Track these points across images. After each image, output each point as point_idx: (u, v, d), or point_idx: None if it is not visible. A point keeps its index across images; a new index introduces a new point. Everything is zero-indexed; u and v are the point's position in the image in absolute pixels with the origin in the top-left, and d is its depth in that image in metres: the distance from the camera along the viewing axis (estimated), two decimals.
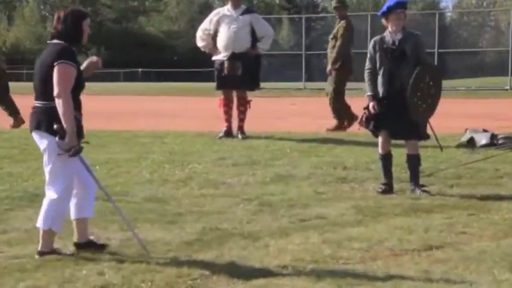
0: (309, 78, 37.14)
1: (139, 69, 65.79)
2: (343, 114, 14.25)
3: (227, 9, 12.86)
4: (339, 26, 14.36)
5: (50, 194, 5.60)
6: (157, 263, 5.38)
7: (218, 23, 12.74)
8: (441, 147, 8.49)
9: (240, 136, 12.59)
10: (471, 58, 43.70)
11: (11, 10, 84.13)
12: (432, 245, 5.95)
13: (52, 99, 5.47)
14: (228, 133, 12.72)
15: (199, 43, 13.06)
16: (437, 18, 36.61)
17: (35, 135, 5.65)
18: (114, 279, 5.00)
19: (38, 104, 5.64)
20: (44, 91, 5.56)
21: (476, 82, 36.98)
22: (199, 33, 13.08)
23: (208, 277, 5.09)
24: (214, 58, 12.92)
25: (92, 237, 5.90)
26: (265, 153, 10.69)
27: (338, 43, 14.25)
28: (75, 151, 5.50)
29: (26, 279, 4.99)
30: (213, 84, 13.20)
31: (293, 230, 6.45)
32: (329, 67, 14.57)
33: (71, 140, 5.45)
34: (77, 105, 5.67)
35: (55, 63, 5.51)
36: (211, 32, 12.81)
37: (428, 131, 8.36)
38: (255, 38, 12.66)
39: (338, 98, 14.29)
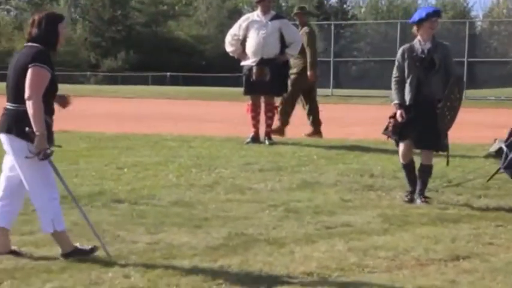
0: (337, 85, 37.10)
1: (168, 73, 66.05)
2: (288, 119, 14.20)
3: (256, 14, 12.88)
4: (303, 33, 14.32)
5: (37, 199, 5.61)
6: (182, 267, 5.38)
7: (247, 29, 12.76)
8: (448, 161, 8.42)
9: (267, 142, 12.60)
10: (501, 68, 43.37)
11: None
12: (459, 255, 5.90)
13: (24, 102, 5.42)
14: (255, 138, 12.73)
15: (228, 48, 13.08)
16: (467, 26, 36.40)
17: (4, 138, 5.57)
18: (140, 282, 5.02)
19: (9, 106, 5.56)
20: (17, 93, 5.48)
21: (506, 92, 36.67)
22: (228, 38, 13.11)
23: (234, 282, 5.09)
24: (242, 63, 12.93)
25: (13, 248, 5.78)
26: (291, 160, 10.68)
27: (308, 52, 14.18)
28: (44, 155, 5.46)
29: (52, 281, 5.03)
30: (241, 90, 13.22)
31: (319, 237, 6.43)
32: (293, 73, 14.27)
33: (40, 143, 5.40)
34: (49, 110, 5.59)
35: (29, 66, 5.44)
36: (241, 37, 12.83)
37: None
38: (283, 44, 12.67)
39: (290, 101, 14.25)
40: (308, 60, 14.15)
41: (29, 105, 5.39)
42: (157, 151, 11.50)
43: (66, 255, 5.60)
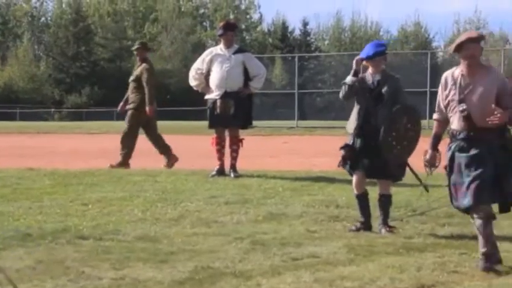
0: (301, 117, 37.27)
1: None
2: (131, 152, 14.62)
3: (220, 48, 12.95)
4: (142, 69, 14.57)
5: None
6: None
7: (211, 62, 12.83)
8: (426, 189, 8.44)
9: (232, 174, 12.60)
10: None
11: (4, 50, 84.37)
12: (424, 284, 5.94)
13: None
14: (221, 171, 12.73)
15: (192, 82, 13.13)
16: (429, 57, 36.90)
17: None
18: None
19: None
20: None
21: None
22: (192, 73, 13.16)
23: None
24: (207, 97, 12.98)
25: None
26: (257, 192, 10.69)
27: (146, 88, 14.41)
28: None
29: None
30: (206, 123, 13.25)
31: (285, 269, 6.43)
32: (130, 109, 14.92)
33: None
34: None
35: None
36: (204, 71, 12.89)
37: (409, 172, 8.42)
38: (247, 77, 12.75)
39: (130, 136, 14.55)
40: (146, 96, 14.40)
41: None
42: (122, 186, 11.45)
43: None
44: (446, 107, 6.75)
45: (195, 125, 33.11)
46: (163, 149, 14.83)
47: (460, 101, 6.55)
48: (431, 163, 6.98)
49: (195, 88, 13.26)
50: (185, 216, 8.97)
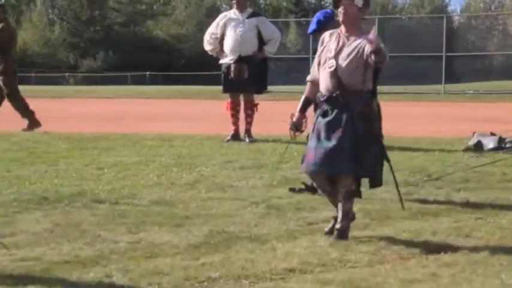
0: None
1: (147, 73, 65.90)
2: (28, 111, 14.62)
3: (233, 12, 12.89)
4: None
5: None
6: (164, 266, 5.38)
7: (225, 27, 12.77)
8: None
9: (247, 139, 12.61)
10: (479, 62, 43.66)
11: (18, 14, 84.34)
12: (440, 248, 5.93)
13: None
14: (235, 136, 12.74)
15: (207, 47, 13.09)
16: (445, 21, 36.54)
17: None
18: (122, 282, 5.00)
19: None
20: None
21: (484, 86, 36.92)
22: (206, 37, 13.11)
23: (216, 280, 5.09)
24: (221, 61, 12.95)
25: None
26: (272, 157, 10.69)
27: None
28: None
29: (34, 282, 5.00)
30: (220, 88, 13.23)
31: (300, 233, 6.45)
32: None
33: None
34: None
35: None
36: (218, 35, 12.84)
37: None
38: (261, 41, 12.69)
39: (15, 98, 14.43)
40: None
41: None
42: (138, 151, 11.48)
43: None
44: (318, 65, 6.49)
45: (210, 90, 33.09)
46: (24, 114, 14.71)
47: (330, 58, 6.33)
48: (296, 126, 6.66)
49: (209, 53, 13.23)
50: (200, 180, 8.99)
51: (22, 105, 15.08)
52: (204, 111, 21.84)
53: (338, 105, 6.29)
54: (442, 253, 5.80)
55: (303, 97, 6.73)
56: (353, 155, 6.22)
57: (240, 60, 12.60)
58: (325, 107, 6.35)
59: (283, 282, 5.09)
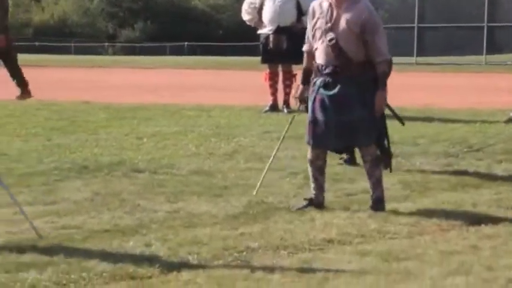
0: None
1: (185, 43, 65.94)
2: (22, 79, 14.15)
3: None
4: None
5: None
6: (203, 235, 5.40)
7: None
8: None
9: (285, 110, 12.58)
10: None
11: None
12: (480, 220, 5.88)
13: None
14: (274, 107, 12.71)
15: (245, 17, 13.04)
16: None
17: None
18: (161, 251, 5.04)
19: None
20: None
21: None
22: (244, 7, 13.06)
23: (254, 250, 5.10)
24: (259, 32, 12.89)
25: None
26: None
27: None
28: None
29: (75, 250, 5.05)
30: (259, 58, 13.18)
31: (339, 204, 6.43)
32: None
33: None
34: None
35: None
36: (257, 5, 12.78)
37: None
38: (300, 12, 12.60)
39: (12, 66, 14.15)
40: None
41: None
42: (176, 121, 11.51)
43: None
44: (312, 37, 6.37)
45: (248, 60, 33.03)
46: (20, 83, 14.58)
47: (327, 30, 6.24)
48: (302, 98, 6.64)
49: (247, 23, 13.17)
50: (239, 151, 8.99)
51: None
52: (242, 82, 21.82)
53: (342, 78, 6.22)
54: (483, 225, 5.75)
55: (302, 69, 6.64)
56: (367, 126, 6.26)
57: (278, 31, 12.54)
58: (327, 78, 6.26)
59: (321, 253, 5.08)
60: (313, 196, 6.34)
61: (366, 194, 6.79)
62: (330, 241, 5.33)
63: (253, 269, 4.68)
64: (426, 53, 35.57)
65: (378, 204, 6.24)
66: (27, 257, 4.83)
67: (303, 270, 4.68)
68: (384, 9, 53.85)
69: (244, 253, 5.04)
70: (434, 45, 35.95)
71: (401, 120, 6.72)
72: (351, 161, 8.09)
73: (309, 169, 6.46)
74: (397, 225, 5.73)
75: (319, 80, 6.31)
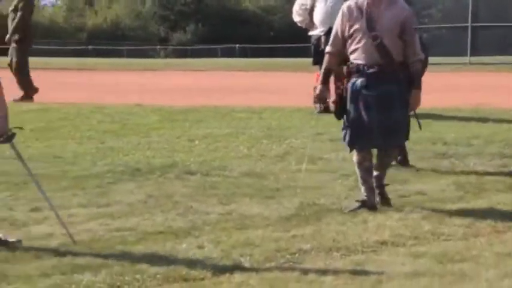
0: None
1: (237, 45, 66.11)
2: (29, 84, 14.51)
3: None
4: None
5: None
6: (256, 237, 5.40)
7: None
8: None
9: None
10: None
11: None
12: None
13: None
14: (326, 108, 12.65)
15: (296, 18, 13.01)
16: None
17: None
18: (214, 253, 5.05)
19: None
20: None
21: None
22: (296, 8, 13.03)
23: (307, 252, 5.08)
24: (310, 33, 12.85)
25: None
26: None
27: (18, 15, 14.29)
28: (7, 138, 5.09)
29: (128, 252, 5.09)
30: (310, 60, 13.14)
31: (392, 206, 6.37)
32: (8, 37, 14.79)
33: (2, 126, 5.02)
34: None
35: None
36: (308, 6, 12.74)
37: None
38: None
39: (22, 70, 14.41)
40: (15, 22, 14.53)
41: None
42: (228, 123, 11.54)
43: None
44: (349, 37, 6.33)
45: (299, 62, 32.98)
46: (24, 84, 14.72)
47: (371, 30, 6.19)
48: (321, 98, 6.64)
49: (299, 24, 13.14)
50: (290, 152, 8.98)
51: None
52: (293, 84, 21.78)
53: (386, 77, 6.22)
54: None
55: (323, 69, 6.61)
56: (404, 126, 6.38)
57: (330, 32, 12.46)
58: (370, 78, 6.24)
59: (374, 255, 5.04)
60: (365, 198, 6.30)
61: (419, 196, 6.74)
62: (383, 243, 5.29)
63: (305, 271, 4.67)
64: (480, 52, 35.09)
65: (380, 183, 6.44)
66: (81, 259, 4.89)
67: (355, 273, 4.65)
68: (437, 9, 53.43)
69: (297, 255, 5.03)
70: (489, 45, 35.44)
71: (419, 124, 6.68)
72: (404, 162, 8.04)
73: (357, 171, 6.45)
74: (451, 227, 5.67)
75: (359, 80, 6.31)
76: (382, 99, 6.22)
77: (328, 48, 6.57)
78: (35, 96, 15.07)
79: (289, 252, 5.07)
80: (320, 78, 6.67)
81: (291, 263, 4.88)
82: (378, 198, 6.41)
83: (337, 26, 6.47)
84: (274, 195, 6.84)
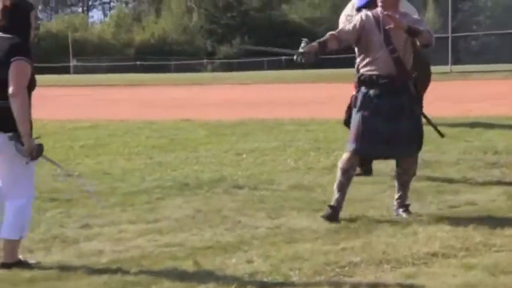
0: (456, 61, 36.24)
1: (283, 57, 66.15)
2: None
3: None
4: None
5: (16, 201, 5.08)
6: (305, 251, 5.38)
7: None
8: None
9: None
10: None
11: (158, 3, 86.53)
12: None
13: (7, 97, 4.95)
14: None
15: None
16: None
17: None
18: (263, 267, 5.04)
19: None
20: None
21: None
22: (342, 19, 12.94)
23: (357, 265, 5.04)
24: None
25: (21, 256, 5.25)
26: None
27: None
28: (37, 153, 5.04)
29: (177, 267, 5.11)
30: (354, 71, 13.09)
31: (442, 217, 6.30)
32: None
33: (29, 144, 4.96)
34: (29, 105, 5.06)
35: (11, 60, 4.94)
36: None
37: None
38: None
39: None
40: None
41: (14, 102, 4.93)
42: (275, 136, 11.55)
43: (6, 265, 5.10)
44: (364, 50, 6.47)
45: (346, 73, 32.89)
46: None
47: (388, 43, 6.28)
48: (308, 52, 6.54)
49: None
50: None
51: None
52: (340, 95, 21.72)
53: (398, 89, 6.32)
54: None
55: (326, 38, 6.61)
56: (416, 136, 6.47)
57: None
58: (383, 88, 6.31)
59: (425, 267, 4.98)
60: (335, 204, 6.35)
61: (470, 206, 6.66)
62: (434, 255, 5.23)
63: (355, 284, 4.63)
64: (501, 60, 34.64)
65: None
66: (132, 276, 4.91)
67: (406, 285, 4.60)
68: (486, 15, 52.91)
69: (346, 268, 4.99)
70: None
71: (440, 132, 6.88)
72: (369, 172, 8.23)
73: (339, 176, 6.51)
74: (503, 238, 5.58)
75: (371, 91, 6.38)
76: (393, 110, 6.33)
77: (336, 31, 6.66)
78: (84, 114, 15.26)
79: (338, 266, 5.03)
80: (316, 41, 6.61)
81: (341, 277, 4.84)
82: (404, 215, 6.43)
83: (355, 22, 6.54)
84: (322, 208, 6.79)
